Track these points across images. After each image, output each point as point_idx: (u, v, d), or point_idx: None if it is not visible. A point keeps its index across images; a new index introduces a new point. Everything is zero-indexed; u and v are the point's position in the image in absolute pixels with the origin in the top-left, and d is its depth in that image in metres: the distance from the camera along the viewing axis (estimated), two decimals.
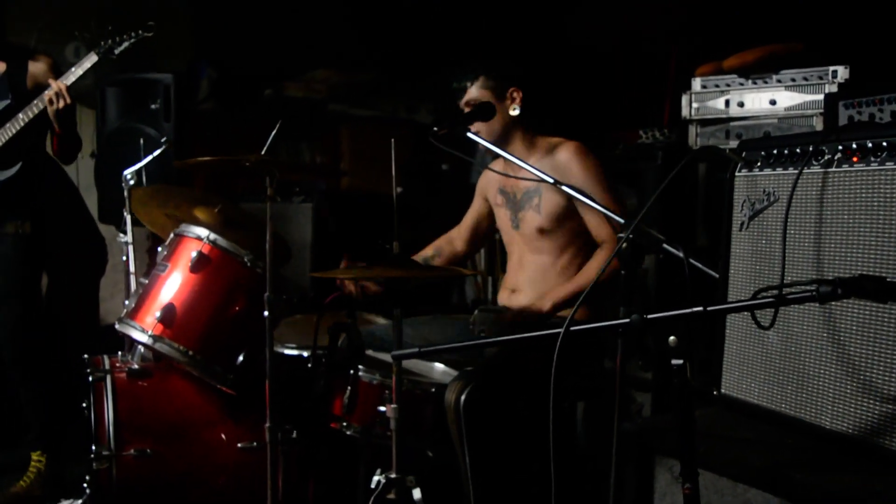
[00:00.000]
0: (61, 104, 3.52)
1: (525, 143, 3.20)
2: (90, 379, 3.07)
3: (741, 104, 3.66)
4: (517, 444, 2.88)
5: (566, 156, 3.09)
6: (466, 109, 3.17)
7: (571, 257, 3.16)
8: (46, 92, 3.52)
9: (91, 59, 3.53)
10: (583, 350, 3.00)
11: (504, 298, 3.30)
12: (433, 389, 2.92)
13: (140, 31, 3.56)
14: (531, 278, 3.20)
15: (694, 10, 4.85)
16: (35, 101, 3.56)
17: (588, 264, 3.09)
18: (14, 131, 3.60)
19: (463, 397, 2.72)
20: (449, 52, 5.74)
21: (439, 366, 3.25)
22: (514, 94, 3.16)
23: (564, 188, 2.52)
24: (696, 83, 3.80)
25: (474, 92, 3.16)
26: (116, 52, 3.54)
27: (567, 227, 3.13)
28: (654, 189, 3.83)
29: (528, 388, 2.80)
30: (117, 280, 5.16)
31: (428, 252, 3.58)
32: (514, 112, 3.16)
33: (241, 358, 3.04)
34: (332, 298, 3.00)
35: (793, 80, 3.53)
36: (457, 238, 3.59)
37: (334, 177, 5.53)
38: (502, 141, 3.16)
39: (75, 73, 3.54)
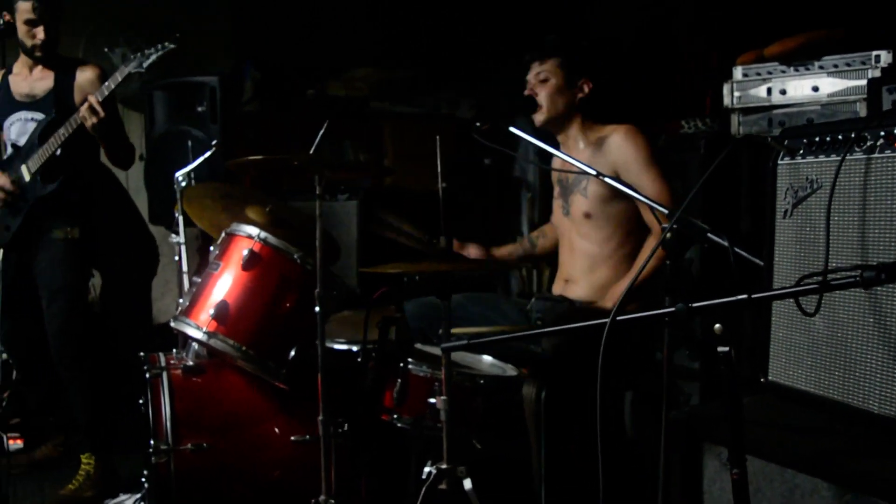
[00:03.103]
0: (94, 119, 3.56)
1: (580, 130, 3.26)
2: (147, 376, 3.13)
3: (783, 92, 3.65)
4: (581, 439, 2.91)
5: (617, 139, 3.13)
6: (531, 82, 3.24)
7: (618, 244, 3.19)
8: (81, 108, 3.59)
9: (122, 73, 3.56)
10: (638, 341, 3.03)
11: (559, 288, 3.34)
12: (481, 381, 2.96)
13: (166, 44, 3.57)
14: (583, 267, 3.23)
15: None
16: (72, 118, 3.62)
17: (640, 254, 3.13)
18: (54, 148, 3.68)
19: (543, 393, 2.76)
20: (490, 47, 5.79)
21: (487, 357, 3.29)
22: (584, 86, 3.24)
23: (607, 180, 2.55)
24: (738, 72, 3.78)
25: (548, 67, 3.23)
26: (145, 65, 3.55)
27: (613, 211, 3.16)
28: (697, 179, 3.83)
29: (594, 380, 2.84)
30: (168, 280, 5.28)
31: (534, 233, 3.70)
32: (579, 100, 3.26)
33: (292, 353, 3.10)
34: (380, 294, 3.05)
35: (835, 66, 3.51)
36: (547, 231, 3.66)
37: (378, 174, 5.58)
38: (560, 123, 3.28)
39: (109, 86, 3.58)
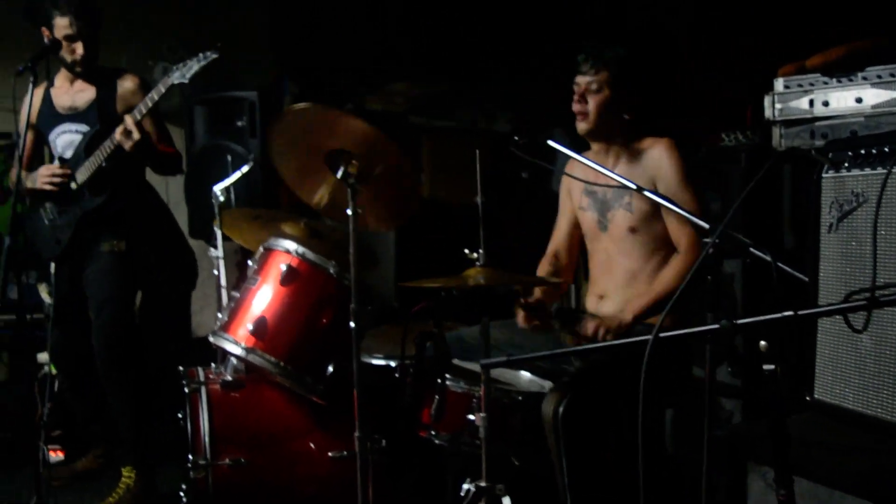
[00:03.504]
0: (130, 143, 3.60)
1: (622, 144, 3.16)
2: (186, 390, 3.15)
3: (826, 103, 3.58)
4: (614, 455, 2.87)
5: (658, 152, 3.06)
6: (581, 87, 3.12)
7: (661, 260, 3.09)
8: (117, 130, 3.61)
9: (165, 84, 3.57)
10: (671, 358, 2.97)
11: (592, 305, 3.26)
12: (520, 398, 2.93)
13: (208, 53, 3.56)
14: (620, 284, 3.14)
15: (774, 9, 4.78)
16: (112, 135, 3.65)
17: (663, 272, 3.06)
18: (100, 161, 3.71)
19: (561, 409, 2.72)
20: (526, 61, 5.78)
21: (525, 374, 3.26)
22: (635, 101, 3.13)
23: (647, 194, 2.51)
24: (779, 83, 3.72)
25: (602, 78, 3.08)
26: (188, 76, 3.54)
27: (657, 226, 3.09)
28: (738, 192, 3.78)
29: (622, 397, 2.79)
30: (207, 294, 5.29)
31: (548, 269, 3.48)
32: (628, 113, 3.13)
33: (330, 368, 3.10)
34: (418, 308, 3.03)
35: (879, 76, 3.44)
36: (560, 250, 3.48)
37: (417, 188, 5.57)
38: (604, 135, 3.16)
39: (153, 97, 3.60)
